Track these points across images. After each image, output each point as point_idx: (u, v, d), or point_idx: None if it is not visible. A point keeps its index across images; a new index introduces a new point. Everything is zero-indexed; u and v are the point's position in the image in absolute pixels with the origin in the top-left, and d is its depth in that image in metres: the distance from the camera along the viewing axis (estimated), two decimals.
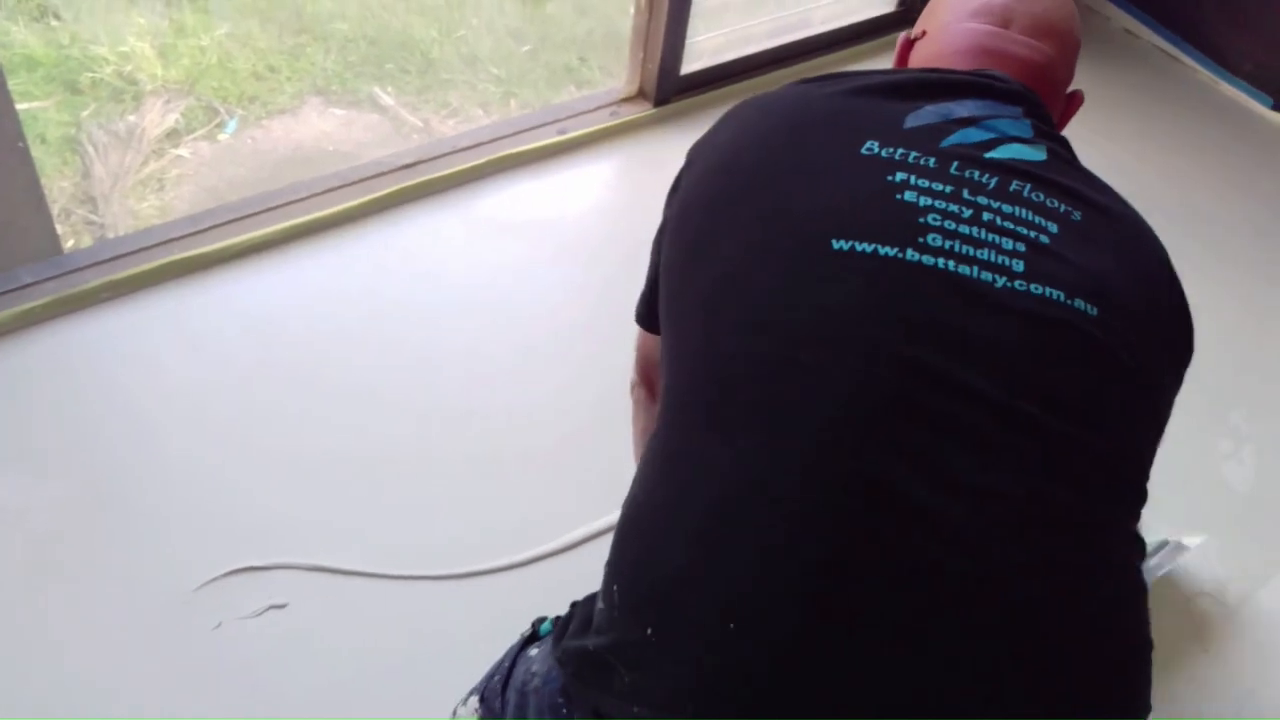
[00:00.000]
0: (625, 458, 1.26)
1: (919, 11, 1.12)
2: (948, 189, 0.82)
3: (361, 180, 2.01)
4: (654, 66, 2.26)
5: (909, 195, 0.81)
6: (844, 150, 0.86)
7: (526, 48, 2.74)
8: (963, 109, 0.89)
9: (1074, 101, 1.05)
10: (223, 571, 1.45)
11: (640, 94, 2.32)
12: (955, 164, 0.84)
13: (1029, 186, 0.85)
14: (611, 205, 2.17)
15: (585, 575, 1.43)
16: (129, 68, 2.42)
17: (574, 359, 1.82)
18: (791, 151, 0.89)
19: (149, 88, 2.41)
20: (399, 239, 1.96)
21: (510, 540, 1.54)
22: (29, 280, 1.75)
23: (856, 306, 0.78)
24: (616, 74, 2.55)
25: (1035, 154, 0.88)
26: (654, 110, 2.30)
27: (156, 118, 2.35)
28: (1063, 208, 0.85)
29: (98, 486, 1.52)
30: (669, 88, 2.30)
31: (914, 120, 0.88)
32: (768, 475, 0.74)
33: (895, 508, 0.72)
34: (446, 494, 1.59)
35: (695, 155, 0.99)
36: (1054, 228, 0.83)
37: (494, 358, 1.79)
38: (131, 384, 1.66)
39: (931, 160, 0.84)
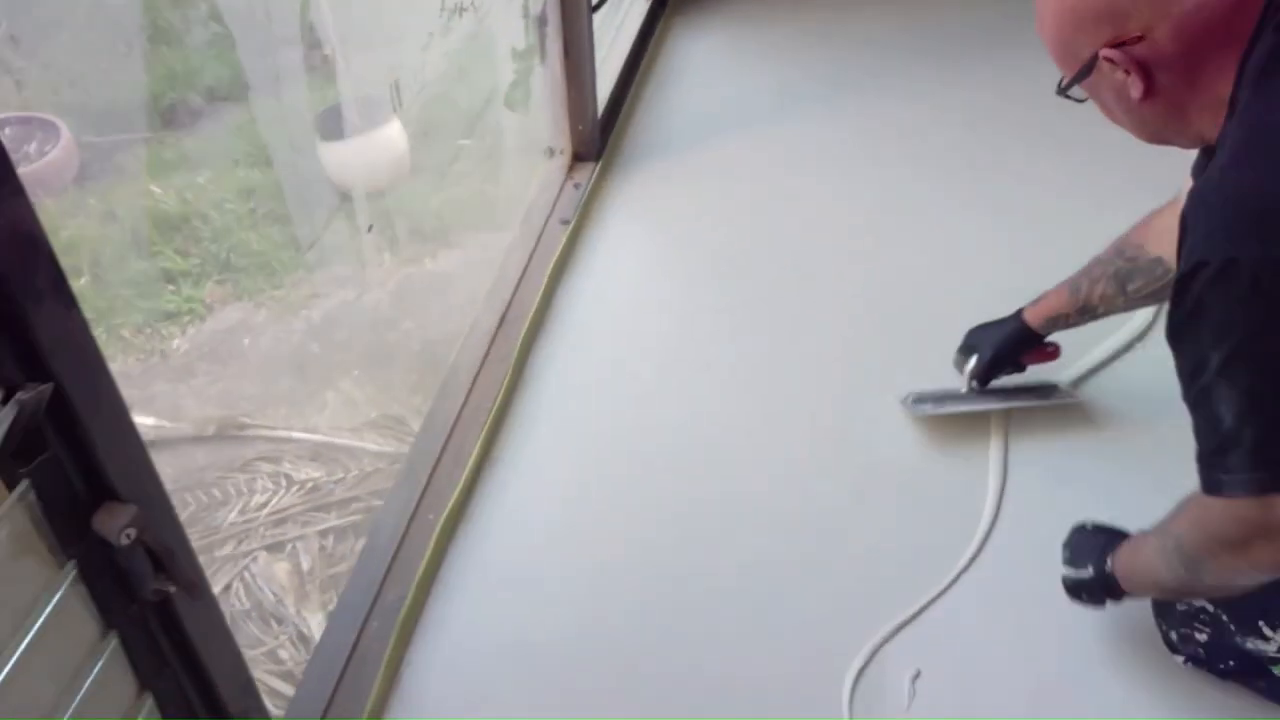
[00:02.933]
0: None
1: None
2: None
3: (472, 385, 1.85)
4: (585, 127, 2.31)
5: None
6: None
7: (83, 279, 2.57)
8: None
9: None
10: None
11: (577, 157, 2.36)
12: None
13: None
14: (642, 272, 2.20)
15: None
16: None
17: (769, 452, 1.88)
18: None
19: None
20: (526, 448, 1.78)
21: None
22: None
23: None
24: None
25: None
26: (598, 165, 2.36)
27: None
28: None
29: None
30: (598, 140, 2.36)
31: None
32: None
33: None
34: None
35: None
36: None
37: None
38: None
39: None
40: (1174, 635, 1.35)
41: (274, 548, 1.99)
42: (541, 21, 2.12)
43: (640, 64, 2.73)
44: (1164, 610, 1.37)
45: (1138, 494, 1.45)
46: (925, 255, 2.10)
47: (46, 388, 0.72)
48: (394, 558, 1.55)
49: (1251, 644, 1.25)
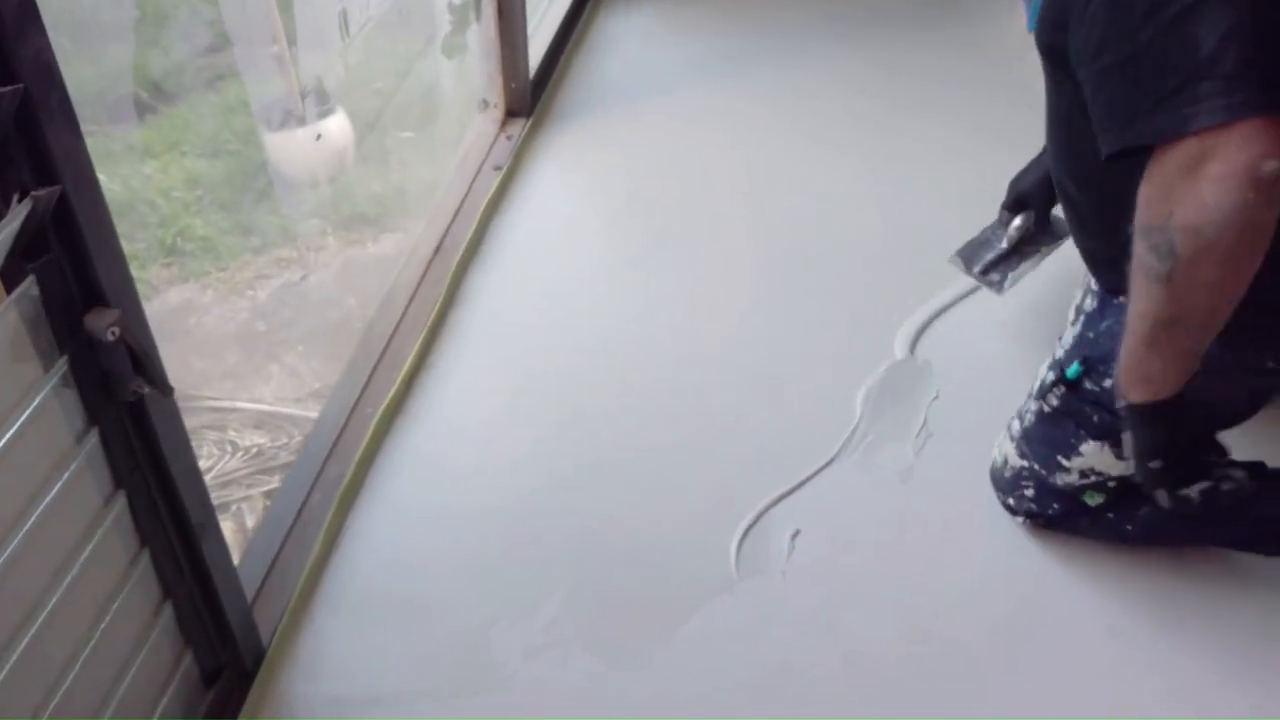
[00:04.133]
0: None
1: None
2: None
3: (409, 302, 2.03)
4: (518, 85, 2.50)
5: None
6: None
7: None
8: None
9: None
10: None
11: (510, 113, 2.55)
12: None
13: None
14: (569, 212, 2.40)
15: None
16: None
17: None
18: None
19: None
20: (460, 356, 1.96)
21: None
22: None
23: None
24: None
25: None
26: (529, 121, 2.55)
27: None
28: None
29: None
30: (530, 98, 2.56)
31: None
32: None
33: None
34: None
35: None
36: None
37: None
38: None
39: None
40: (1010, 500, 1.59)
41: (220, 508, 2.07)
42: None
43: (572, 33, 2.93)
44: (997, 481, 1.61)
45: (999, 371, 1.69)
46: (819, 198, 2.34)
47: (56, 189, 0.90)
48: (335, 442, 1.73)
49: (1061, 479, 1.49)
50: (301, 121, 2.90)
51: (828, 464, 1.71)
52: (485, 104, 2.50)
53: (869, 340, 1.94)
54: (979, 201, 2.21)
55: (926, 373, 1.86)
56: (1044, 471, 1.50)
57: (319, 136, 2.33)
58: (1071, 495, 1.51)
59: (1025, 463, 1.53)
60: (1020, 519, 1.59)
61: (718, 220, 2.28)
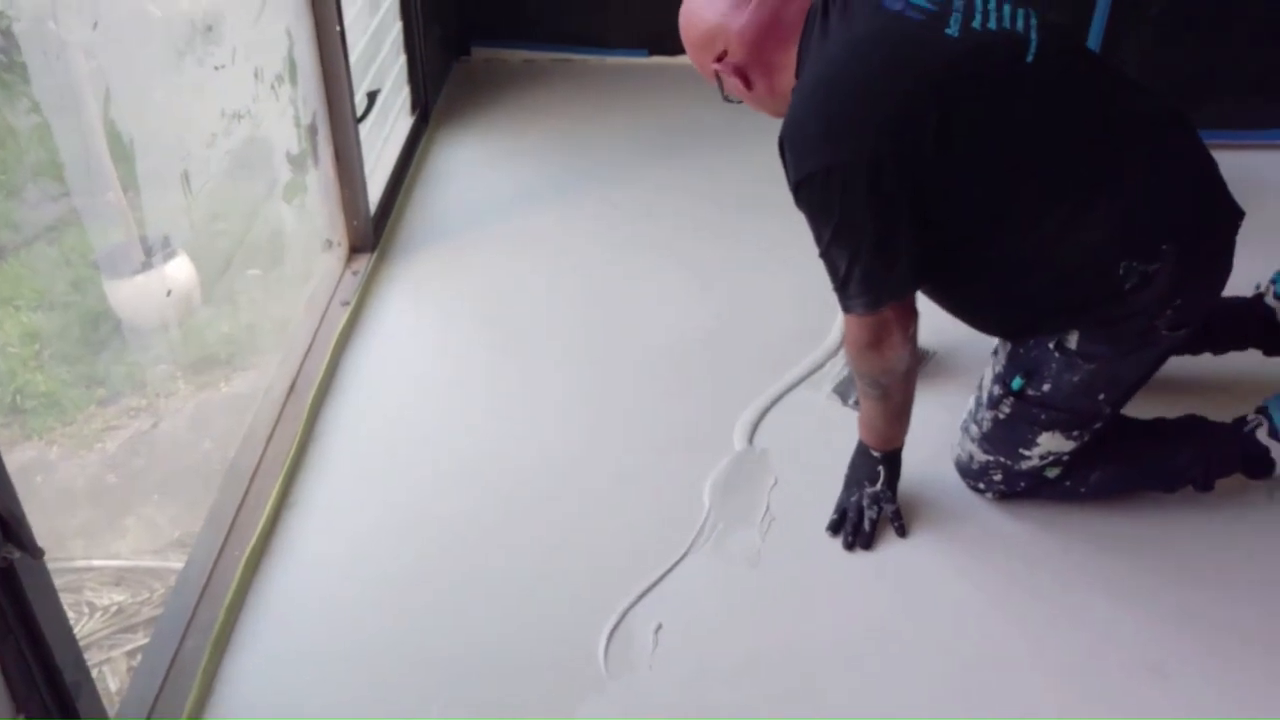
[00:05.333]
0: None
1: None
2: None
3: (268, 441, 2.09)
4: (360, 223, 2.61)
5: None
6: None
7: None
8: None
9: None
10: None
11: (354, 249, 2.64)
12: None
13: None
14: (417, 342, 2.50)
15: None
16: None
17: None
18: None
19: None
20: (321, 490, 2.01)
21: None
22: None
23: None
24: None
25: None
26: (374, 255, 2.65)
27: None
28: None
29: None
30: (372, 234, 2.66)
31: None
32: None
33: None
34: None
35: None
36: None
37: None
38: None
39: None
40: (980, 485, 1.84)
41: None
42: (312, 130, 2.42)
43: (408, 169, 3.06)
44: (966, 472, 1.87)
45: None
46: (653, 305, 2.50)
47: None
48: (204, 587, 1.75)
49: (1025, 465, 1.76)
50: (144, 267, 2.91)
51: (682, 557, 1.82)
52: (329, 243, 2.59)
53: (711, 435, 2.08)
54: (799, 298, 2.42)
55: (764, 461, 2.01)
56: (1009, 461, 1.77)
57: (170, 292, 2.37)
58: (1035, 474, 1.78)
59: (991, 456, 1.79)
60: (990, 495, 1.86)
61: (559, 335, 2.41)
